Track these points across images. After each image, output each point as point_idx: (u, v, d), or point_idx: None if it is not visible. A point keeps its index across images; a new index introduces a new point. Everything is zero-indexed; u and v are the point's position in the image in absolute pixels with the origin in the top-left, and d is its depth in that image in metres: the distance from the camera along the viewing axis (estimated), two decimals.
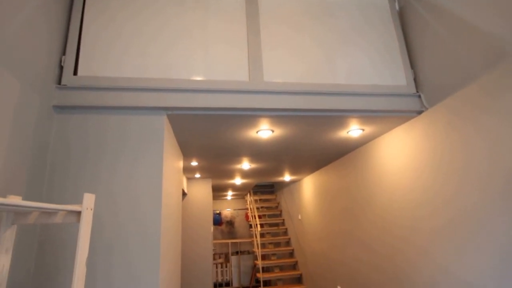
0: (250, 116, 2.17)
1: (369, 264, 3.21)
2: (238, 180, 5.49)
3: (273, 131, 2.55)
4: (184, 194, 4.75)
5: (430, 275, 2.31)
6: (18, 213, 1.21)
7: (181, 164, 3.08)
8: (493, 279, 1.79)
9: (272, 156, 3.55)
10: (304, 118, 2.30)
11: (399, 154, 2.67)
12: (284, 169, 4.57)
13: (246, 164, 3.94)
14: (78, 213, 1.25)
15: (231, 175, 4.81)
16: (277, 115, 2.20)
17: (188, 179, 4.91)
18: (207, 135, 2.57)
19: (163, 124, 1.94)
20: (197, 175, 4.62)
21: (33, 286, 1.61)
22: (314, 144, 3.09)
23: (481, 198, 1.88)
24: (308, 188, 5.28)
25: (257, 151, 3.22)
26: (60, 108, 1.86)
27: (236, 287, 7.74)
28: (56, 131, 1.82)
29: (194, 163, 3.66)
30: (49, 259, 1.65)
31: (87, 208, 1.24)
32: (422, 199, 2.39)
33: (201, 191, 4.95)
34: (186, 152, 3.11)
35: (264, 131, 2.54)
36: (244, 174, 4.83)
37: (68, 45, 1.93)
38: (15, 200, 0.94)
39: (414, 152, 2.48)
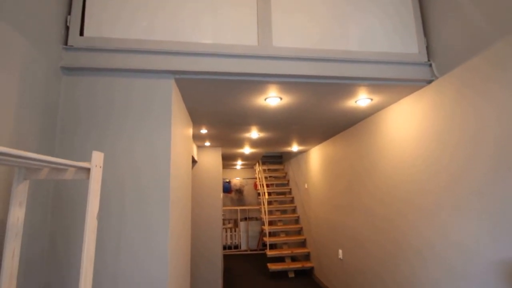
0: (259, 82, 2.12)
1: (370, 229, 3.23)
2: (247, 150, 5.50)
3: (281, 98, 2.49)
4: (194, 162, 4.79)
5: (428, 236, 2.31)
6: (30, 168, 1.23)
7: (190, 130, 3.07)
8: (487, 242, 1.78)
9: (280, 125, 3.51)
10: (313, 86, 2.23)
11: (406, 125, 2.60)
12: (292, 139, 4.54)
13: (254, 133, 3.92)
14: (88, 170, 1.26)
15: (240, 144, 4.81)
16: (286, 82, 2.14)
17: (199, 147, 4.94)
18: (215, 102, 2.54)
19: (171, 88, 1.90)
20: (207, 144, 4.63)
21: (50, 239, 1.66)
22: (322, 114, 3.03)
23: (491, 168, 1.82)
24: (315, 158, 5.26)
25: (265, 119, 3.18)
26: (68, 70, 1.83)
27: (244, 250, 8.00)
28: (64, 92, 1.81)
29: (203, 131, 3.65)
30: (64, 214, 1.69)
31: (96, 166, 1.24)
32: (427, 169, 2.35)
33: (211, 159, 4.99)
34: (196, 119, 3.09)
35: (272, 99, 2.48)
36: (253, 143, 4.82)
37: (73, 4, 1.87)
38: (27, 153, 0.94)
39: (421, 122, 2.40)
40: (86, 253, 1.16)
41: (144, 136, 1.83)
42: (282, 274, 5.64)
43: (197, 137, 4.09)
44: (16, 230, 1.22)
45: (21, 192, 1.23)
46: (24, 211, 1.25)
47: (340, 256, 4.11)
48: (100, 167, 1.27)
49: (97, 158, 1.26)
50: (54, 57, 1.73)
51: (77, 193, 1.72)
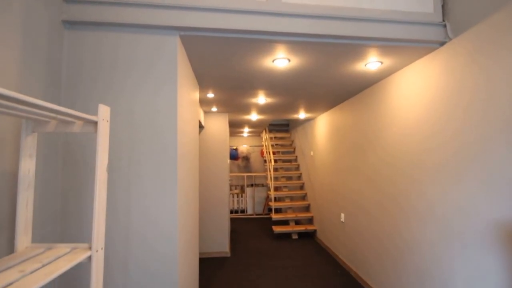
0: (266, 40, 2.03)
1: (374, 193, 3.25)
2: (254, 116, 5.46)
3: (289, 60, 2.41)
4: (201, 127, 4.79)
5: (431, 199, 2.31)
6: (37, 121, 1.22)
7: (197, 94, 3.03)
8: (484, 204, 1.77)
9: (287, 90, 3.44)
10: (323, 46, 2.14)
11: (415, 90, 2.52)
12: (299, 106, 4.47)
13: (262, 98, 3.86)
14: (95, 123, 1.25)
15: (247, 110, 4.76)
16: (294, 41, 2.05)
17: (205, 112, 4.91)
18: (222, 63, 2.47)
19: (176, 45, 1.84)
20: (214, 109, 4.60)
21: (62, 192, 1.70)
22: (330, 78, 2.94)
23: (499, 133, 1.77)
24: (322, 126, 5.21)
25: (273, 83, 3.11)
26: (69, 24, 1.77)
27: (250, 214, 8.20)
28: (67, 47, 1.77)
29: (210, 95, 3.60)
30: (74, 170, 1.72)
31: (103, 119, 1.23)
32: (435, 134, 2.29)
33: (218, 125, 4.97)
34: (202, 82, 3.03)
35: (281, 60, 2.40)
36: (260, 110, 4.77)
37: None
38: (34, 99, 0.92)
39: (432, 87, 2.32)
40: (98, 204, 1.18)
41: (149, 93, 1.80)
42: (286, 236, 5.80)
43: (204, 102, 4.05)
44: (28, 181, 1.23)
45: (30, 145, 1.23)
46: (35, 164, 1.26)
47: (342, 219, 4.18)
48: (107, 121, 1.26)
49: (104, 112, 1.24)
50: (55, 10, 1.67)
51: (85, 151, 1.73)
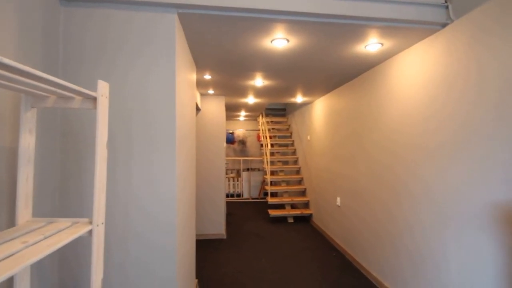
0: (266, 19, 2.02)
1: (370, 176, 3.32)
2: (251, 99, 5.45)
3: (288, 40, 2.40)
4: (198, 109, 4.78)
5: (426, 180, 2.37)
6: (37, 96, 1.23)
7: (194, 75, 3.02)
8: (481, 186, 1.83)
9: (285, 73, 3.44)
10: (322, 26, 2.13)
11: (415, 72, 2.53)
12: (297, 89, 4.47)
13: (259, 81, 3.85)
14: (94, 99, 1.26)
15: (244, 92, 4.75)
16: (294, 20, 2.04)
17: (202, 95, 4.89)
18: (220, 43, 2.45)
19: (174, 22, 1.83)
20: (211, 91, 4.58)
21: (61, 168, 1.72)
22: (329, 61, 2.94)
23: (496, 115, 1.81)
24: (320, 110, 5.23)
25: (271, 65, 3.10)
26: (66, 0, 1.75)
27: (246, 198, 8.30)
28: (63, 23, 1.75)
29: (207, 76, 3.59)
30: (73, 147, 1.73)
31: (102, 95, 1.24)
32: (433, 117, 2.33)
33: (214, 108, 4.97)
34: (199, 63, 3.01)
35: (279, 40, 2.39)
36: (257, 93, 4.76)
37: None
38: (34, 70, 0.93)
39: (431, 69, 2.33)
40: (98, 180, 1.21)
41: (147, 72, 1.80)
42: (282, 219, 5.91)
43: (200, 84, 4.03)
44: (28, 155, 1.25)
45: (29, 120, 1.24)
46: (34, 139, 1.28)
47: (338, 203, 4.26)
48: (106, 97, 1.27)
49: (103, 88, 1.25)
50: None
51: (84, 128, 1.74)
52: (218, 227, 4.87)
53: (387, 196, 2.97)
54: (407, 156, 2.65)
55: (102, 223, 1.27)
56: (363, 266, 3.46)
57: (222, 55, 2.77)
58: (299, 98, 5.34)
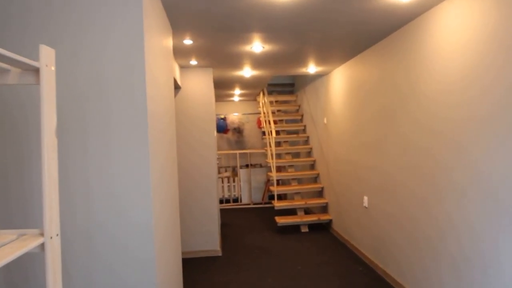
0: None
1: (402, 167, 3.32)
2: (247, 72, 5.43)
3: None
4: (177, 87, 4.77)
5: (474, 165, 2.38)
6: None
7: (170, 40, 3.01)
8: None
9: (292, 33, 3.42)
10: None
11: (458, 29, 2.51)
12: (308, 56, 4.45)
13: (257, 45, 3.84)
14: (37, 71, 1.25)
15: (238, 63, 4.73)
16: None
17: (182, 67, 4.87)
18: None
19: None
20: (193, 62, 4.56)
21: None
22: (349, 15, 2.91)
23: None
24: (338, 83, 5.22)
25: (273, 22, 3.08)
26: None
27: (246, 204, 8.34)
28: None
29: (187, 41, 3.57)
30: (13, 133, 1.74)
31: (46, 65, 1.23)
32: (484, 87, 2.32)
33: (199, 84, 4.94)
34: (177, 22, 2.99)
35: None
36: (256, 62, 4.74)
37: None
38: None
39: (481, 24, 2.32)
40: (47, 179, 1.21)
41: (106, 36, 1.79)
42: (293, 228, 5.95)
43: (179, 52, 4.01)
44: None
45: None
46: None
47: (365, 203, 4.28)
48: (53, 67, 1.26)
49: (48, 56, 1.24)
50: None
51: (25, 111, 1.74)
52: (210, 242, 4.91)
53: (425, 190, 2.98)
54: (450, 135, 2.65)
55: (57, 235, 1.27)
56: (397, 281, 3.50)
57: (207, 8, 2.74)
58: (311, 68, 5.31)
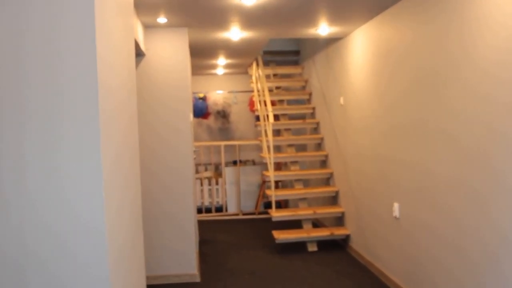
0: None
1: (450, 161, 3.30)
2: (235, 33, 5.39)
3: None
4: (140, 55, 4.72)
5: None
6: None
7: None
8: None
9: None
10: None
11: None
12: (319, 10, 4.42)
13: None
14: None
15: (222, 20, 4.69)
16: None
17: (147, 27, 4.82)
18: None
19: None
20: (162, 20, 4.51)
21: None
22: None
23: None
24: (359, 50, 5.20)
25: None
26: None
27: (234, 214, 8.34)
28: None
29: None
30: None
31: None
32: None
33: (170, 50, 4.91)
34: None
35: None
36: (247, 19, 4.71)
37: None
38: None
39: None
40: None
41: None
42: (297, 247, 5.95)
43: (143, 6, 3.96)
44: None
45: None
46: None
47: (396, 213, 4.28)
48: None
49: None
50: None
51: None
52: (184, 264, 4.91)
53: (488, 193, 2.95)
54: None
55: None
56: None
57: None
58: (323, 29, 5.28)
